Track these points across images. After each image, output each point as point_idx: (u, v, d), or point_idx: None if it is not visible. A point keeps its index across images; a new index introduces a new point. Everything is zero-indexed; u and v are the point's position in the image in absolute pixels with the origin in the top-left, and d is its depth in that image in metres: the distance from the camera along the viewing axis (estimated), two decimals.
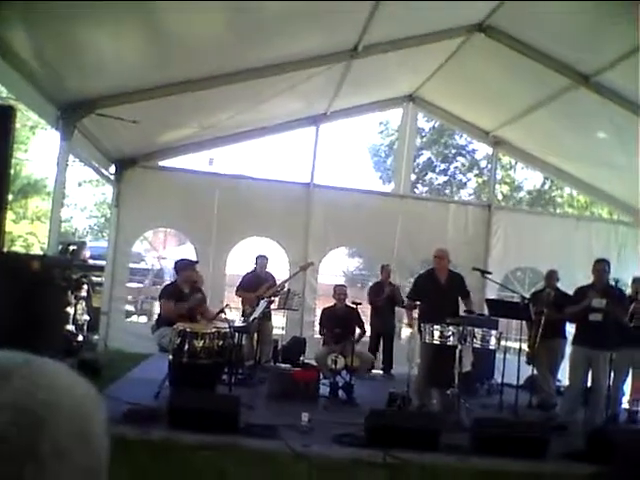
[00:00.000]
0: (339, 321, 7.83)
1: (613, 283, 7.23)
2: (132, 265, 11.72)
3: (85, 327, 9.30)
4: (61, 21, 5.29)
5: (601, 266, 6.88)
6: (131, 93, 7.11)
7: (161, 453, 4.52)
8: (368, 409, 5.75)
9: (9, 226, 17.78)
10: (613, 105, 7.81)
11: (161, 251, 16.09)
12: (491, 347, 7.16)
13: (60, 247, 9.16)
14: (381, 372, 9.33)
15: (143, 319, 13.42)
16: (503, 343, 7.56)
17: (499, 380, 7.81)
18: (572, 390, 6.92)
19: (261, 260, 8.86)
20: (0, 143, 3.81)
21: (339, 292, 8.27)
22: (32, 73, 5.74)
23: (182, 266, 7.29)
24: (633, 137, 8.24)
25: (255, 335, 7.92)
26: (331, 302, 8.42)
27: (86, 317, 9.47)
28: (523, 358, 7.84)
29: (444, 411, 6.51)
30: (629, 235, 11.15)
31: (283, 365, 8.21)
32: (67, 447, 0.56)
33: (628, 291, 8.32)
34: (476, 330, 6.85)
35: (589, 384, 6.91)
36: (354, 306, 8.15)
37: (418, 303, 7.34)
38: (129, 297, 11.85)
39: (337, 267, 19.84)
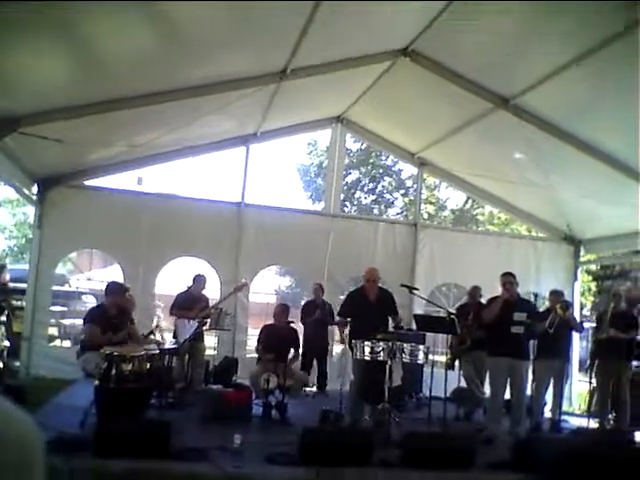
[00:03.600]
0: (276, 340, 7.79)
1: (532, 297, 7.59)
2: (55, 287, 11.32)
3: (5, 353, 8.88)
4: None
5: (508, 279, 7.17)
6: (56, 111, 6.92)
7: None
8: (301, 428, 5.76)
9: None
10: (531, 126, 8.24)
11: (87, 273, 15.59)
12: (419, 361, 7.32)
13: None
14: (315, 390, 9.34)
15: (67, 343, 12.96)
16: (430, 357, 7.76)
17: (427, 393, 7.99)
18: (496, 400, 7.16)
19: (200, 279, 8.70)
20: None
21: (278, 311, 8.25)
22: None
23: (113, 290, 7.08)
24: (550, 157, 8.72)
25: (186, 357, 7.78)
26: (264, 321, 8.39)
27: (6, 343, 9.05)
28: (450, 371, 8.07)
29: (376, 426, 6.60)
30: (547, 250, 11.72)
31: (215, 386, 8.08)
32: (10, 478, 0.56)
33: (547, 304, 8.77)
34: (405, 345, 7.01)
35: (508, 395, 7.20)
36: (293, 326, 8.16)
37: (349, 320, 7.44)
38: (52, 321, 11.41)
39: (269, 286, 19.83)
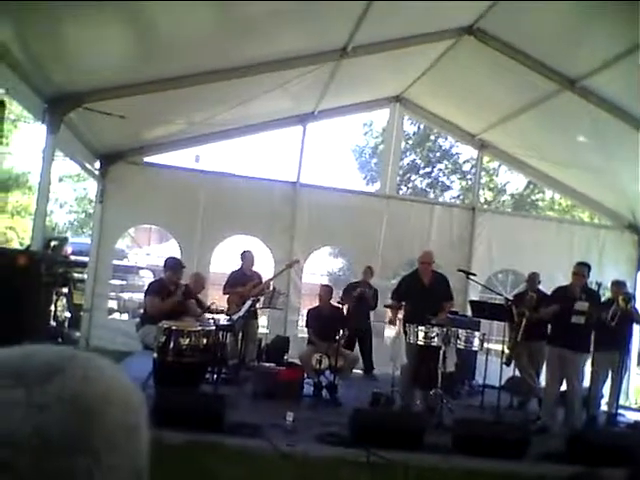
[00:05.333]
0: (324, 321, 7.82)
1: (595, 287, 7.33)
2: (115, 262, 11.64)
3: (66, 324, 9.21)
4: (49, 15, 5.23)
5: (581, 269, 6.96)
6: (118, 88, 7.06)
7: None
8: (351, 409, 5.77)
9: None
10: (597, 110, 7.92)
11: (145, 248, 15.98)
12: (474, 348, 7.23)
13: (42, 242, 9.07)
14: (362, 372, 9.28)
15: (125, 317, 13.34)
16: (485, 345, 7.63)
17: (480, 381, 7.88)
18: (549, 391, 6.98)
19: (247, 255, 8.74)
20: None
21: (323, 292, 8.26)
22: (20, 66, 5.67)
23: (172, 265, 7.23)
24: (616, 142, 8.36)
25: (240, 334, 7.89)
26: (315, 302, 8.41)
27: (67, 314, 9.38)
28: (503, 359, 7.92)
29: (427, 411, 6.56)
30: (609, 239, 11.31)
31: (267, 364, 8.19)
32: (118, 439, 0.56)
33: (608, 294, 8.48)
34: (460, 331, 6.91)
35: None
36: (339, 306, 8.16)
37: (403, 304, 7.37)
38: (111, 294, 11.76)
39: (321, 267, 19.88)
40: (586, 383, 7.49)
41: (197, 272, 8.16)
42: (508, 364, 7.98)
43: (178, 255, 9.38)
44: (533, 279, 8.58)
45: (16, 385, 0.53)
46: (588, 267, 7.03)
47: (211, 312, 7.17)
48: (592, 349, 7.40)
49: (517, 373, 8.17)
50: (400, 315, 7.50)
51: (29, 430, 0.51)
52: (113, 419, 0.57)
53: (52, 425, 0.52)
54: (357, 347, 9.27)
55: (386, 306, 8.78)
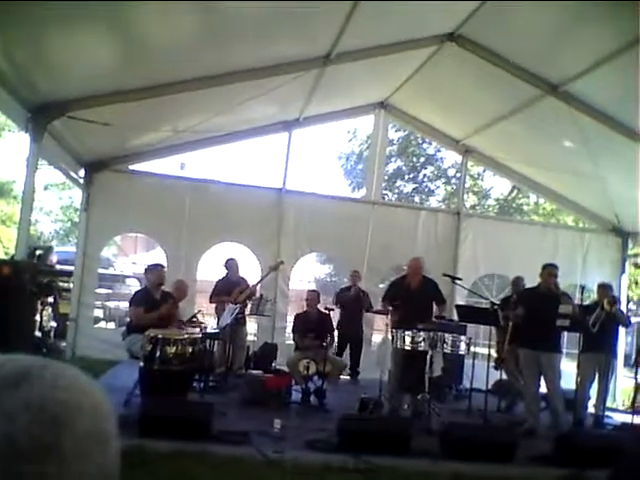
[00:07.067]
0: (311, 326, 7.83)
1: (580, 290, 7.40)
2: (101, 270, 11.56)
3: (52, 333, 9.13)
4: (32, 23, 5.21)
5: (555, 270, 6.98)
6: (103, 96, 7.03)
7: (132, 461, 4.46)
8: (340, 415, 5.77)
9: None
10: (580, 114, 8.01)
11: (131, 256, 15.90)
12: (461, 352, 7.25)
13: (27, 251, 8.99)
14: (348, 377, 9.30)
15: (111, 325, 13.25)
16: (471, 349, 7.65)
17: (468, 385, 7.91)
18: (530, 392, 6.98)
19: (231, 263, 8.75)
20: None
21: (311, 297, 8.27)
22: (2, 75, 5.64)
23: (151, 268, 7.26)
24: (599, 146, 8.45)
25: (227, 341, 7.87)
26: (303, 307, 8.41)
27: (53, 323, 9.30)
28: (492, 363, 7.95)
29: (415, 416, 6.57)
30: (593, 242, 11.42)
31: (255, 371, 8.16)
32: (88, 447, 0.57)
33: (593, 297, 8.55)
34: (446, 336, 6.93)
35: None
36: (326, 312, 8.16)
37: (390, 308, 7.39)
38: (97, 303, 11.67)
39: (308, 273, 19.90)
40: (573, 385, 7.54)
41: (179, 279, 8.16)
42: (497, 368, 8.02)
43: (165, 263, 9.34)
44: (517, 283, 8.65)
45: None
46: (556, 267, 7.05)
47: (192, 324, 7.16)
48: (578, 351, 7.46)
49: (504, 376, 8.22)
50: (387, 320, 7.52)
51: None
52: (82, 427, 0.57)
53: (20, 432, 0.53)
54: (347, 353, 9.31)
55: (374, 311, 8.81)
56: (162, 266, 7.52)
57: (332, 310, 8.42)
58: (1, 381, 0.56)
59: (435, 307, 7.46)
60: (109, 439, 0.60)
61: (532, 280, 8.32)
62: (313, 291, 8.72)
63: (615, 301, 7.62)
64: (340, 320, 9.49)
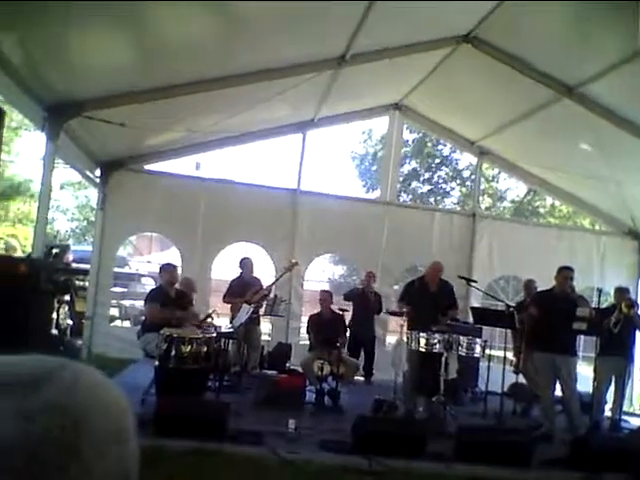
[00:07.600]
0: (325, 327, 7.81)
1: (597, 293, 7.32)
2: (116, 269, 11.64)
3: (68, 332, 9.20)
4: (49, 23, 5.26)
5: (567, 274, 6.91)
6: (119, 96, 7.08)
7: (147, 460, 4.47)
8: (354, 416, 5.76)
9: None
10: (596, 117, 7.93)
11: (146, 255, 16.00)
12: (476, 355, 7.21)
13: (43, 250, 9.07)
14: (362, 379, 9.27)
15: (127, 324, 13.34)
16: (487, 351, 7.61)
17: (483, 388, 7.86)
18: (546, 396, 6.90)
19: (246, 262, 8.79)
20: None
21: (323, 297, 8.25)
22: (19, 74, 5.69)
23: (164, 267, 7.33)
24: (615, 148, 8.38)
25: (242, 341, 7.88)
26: (317, 308, 8.41)
27: (69, 322, 9.37)
28: (507, 367, 7.89)
29: (430, 418, 6.53)
30: (610, 245, 11.31)
31: (269, 372, 8.18)
32: (108, 447, 0.57)
33: (610, 300, 8.47)
34: (461, 338, 6.90)
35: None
36: (340, 312, 8.15)
37: (405, 310, 7.37)
38: (113, 301, 11.76)
39: (322, 274, 19.88)
40: (590, 389, 7.47)
41: (186, 277, 8.21)
42: (517, 372, 7.95)
43: (179, 263, 9.39)
44: (529, 286, 8.58)
45: (3, 394, 0.54)
46: (571, 270, 6.97)
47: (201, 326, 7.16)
48: (595, 354, 7.39)
49: (520, 379, 8.15)
50: (402, 321, 7.50)
51: (17, 439, 0.52)
52: (102, 427, 0.57)
53: (40, 433, 0.53)
54: (362, 354, 9.28)
55: (389, 313, 8.77)
56: (174, 266, 7.58)
57: (346, 311, 8.39)
58: (21, 382, 0.56)
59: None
60: (129, 439, 0.61)
61: (548, 283, 8.27)
62: (326, 291, 8.70)
63: (633, 304, 7.54)
64: (352, 320, 9.44)
